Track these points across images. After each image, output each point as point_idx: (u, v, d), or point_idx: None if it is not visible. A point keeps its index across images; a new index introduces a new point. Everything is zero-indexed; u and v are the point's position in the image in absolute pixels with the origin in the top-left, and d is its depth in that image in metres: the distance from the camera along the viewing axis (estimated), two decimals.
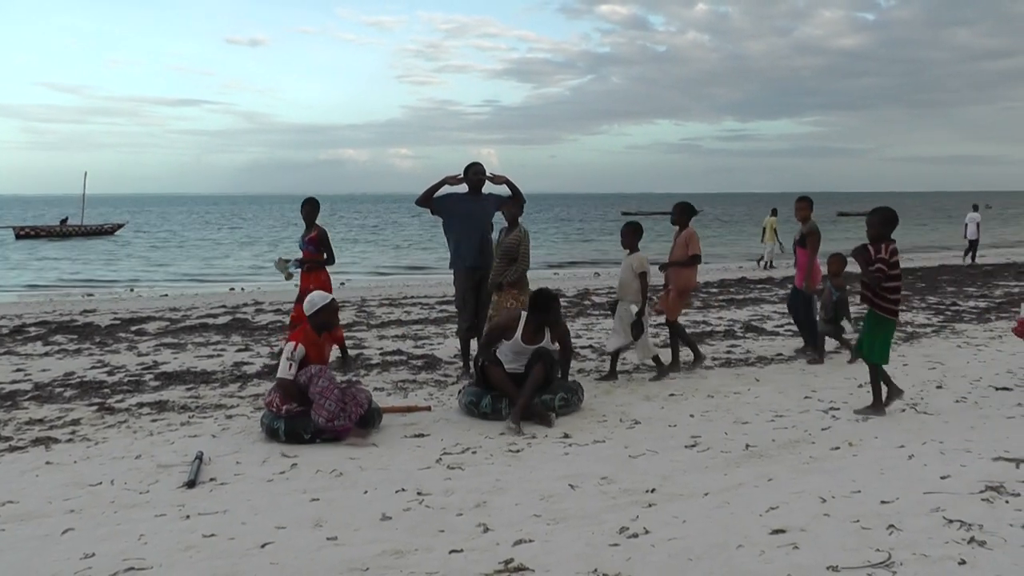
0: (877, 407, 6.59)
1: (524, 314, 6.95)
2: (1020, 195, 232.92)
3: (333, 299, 6.58)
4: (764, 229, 24.81)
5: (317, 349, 6.35)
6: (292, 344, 6.26)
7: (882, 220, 6.42)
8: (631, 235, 8.38)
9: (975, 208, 25.33)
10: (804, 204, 9.36)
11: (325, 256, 9.07)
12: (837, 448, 5.66)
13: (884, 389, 6.59)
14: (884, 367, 6.58)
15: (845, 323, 9.03)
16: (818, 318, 9.13)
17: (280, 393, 6.20)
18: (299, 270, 9.10)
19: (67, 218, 52.90)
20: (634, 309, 8.08)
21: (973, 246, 24.50)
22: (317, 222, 9.22)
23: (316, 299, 6.50)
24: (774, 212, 25.38)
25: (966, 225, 24.94)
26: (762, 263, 24.81)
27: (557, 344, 7.00)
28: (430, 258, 33.45)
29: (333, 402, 6.09)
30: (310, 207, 9.25)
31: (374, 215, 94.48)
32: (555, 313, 6.87)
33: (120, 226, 54.31)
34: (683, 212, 8.86)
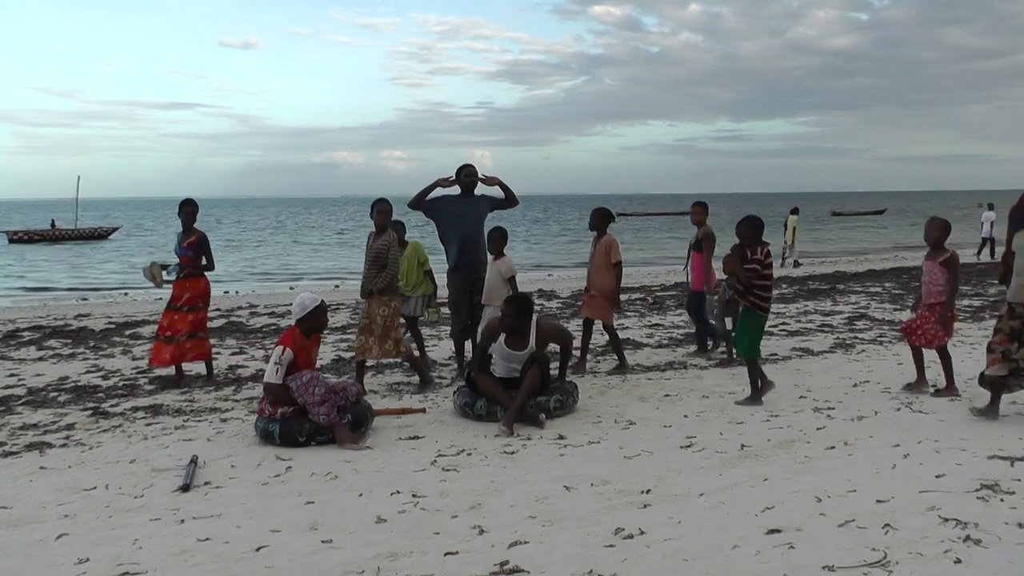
0: (755, 398, 7.05)
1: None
2: (1013, 194, 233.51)
3: (323, 300, 6.55)
4: (786, 227, 25.33)
5: (306, 353, 6.33)
6: (280, 348, 6.23)
7: (753, 229, 7.01)
8: (600, 219, 8.73)
9: (990, 207, 25.76)
10: (699, 208, 9.37)
11: (205, 262, 8.60)
12: (832, 448, 5.66)
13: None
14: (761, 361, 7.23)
15: (728, 320, 9.03)
16: (712, 318, 9.32)
17: (269, 398, 6.18)
18: (174, 278, 8.56)
19: (54, 221, 52.61)
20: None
21: (988, 243, 25.35)
22: (197, 225, 8.69)
23: (306, 302, 6.41)
24: (795, 211, 26.16)
25: (982, 224, 25.72)
26: (787, 260, 25.25)
27: (553, 345, 6.97)
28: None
29: (322, 387, 6.12)
30: (189, 209, 8.62)
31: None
32: (520, 319, 6.84)
33: (115, 229, 54.18)
34: (602, 219, 8.82)
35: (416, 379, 8.16)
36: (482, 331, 7.15)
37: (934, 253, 7.15)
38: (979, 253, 25.31)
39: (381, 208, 7.94)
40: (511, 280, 8.03)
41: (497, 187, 8.33)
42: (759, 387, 7.09)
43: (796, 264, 24.74)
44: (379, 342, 7.79)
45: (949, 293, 7.00)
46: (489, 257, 8.23)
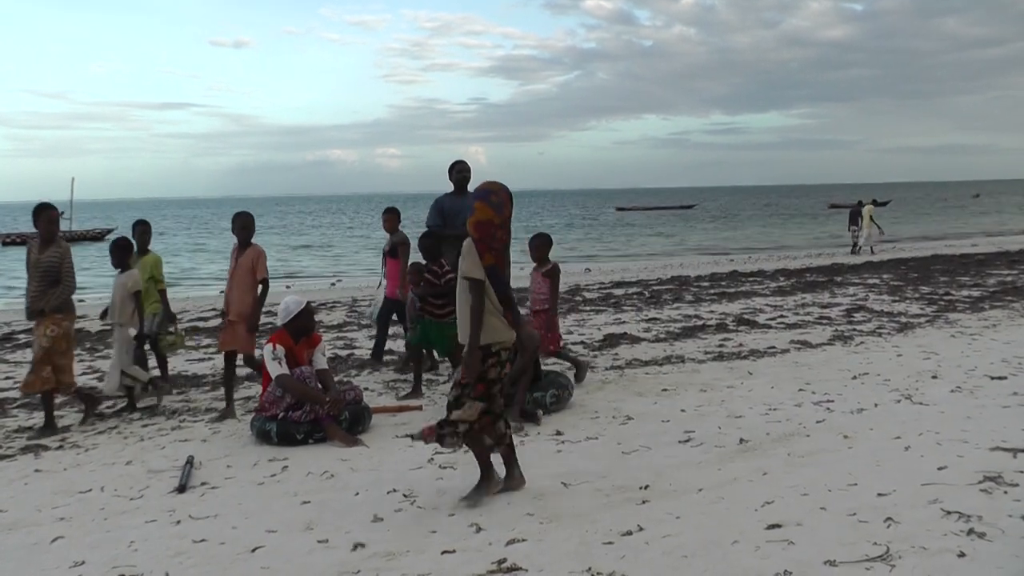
0: (416, 392, 7.51)
1: None
2: (1010, 183, 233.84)
3: (309, 302, 6.51)
4: (861, 217, 26.00)
5: (293, 356, 6.29)
6: (271, 346, 6.23)
7: (431, 246, 7.49)
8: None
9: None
10: (392, 216, 8.99)
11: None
12: (832, 441, 5.63)
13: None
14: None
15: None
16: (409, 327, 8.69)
17: (284, 391, 6.14)
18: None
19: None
20: (132, 333, 7.44)
21: None
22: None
23: (291, 306, 6.40)
24: (874, 201, 27.40)
25: None
26: (858, 249, 25.89)
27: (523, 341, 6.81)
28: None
29: (310, 379, 6.22)
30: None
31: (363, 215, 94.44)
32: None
33: (109, 231, 53.98)
34: (244, 227, 7.13)
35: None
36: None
37: (539, 266, 7.72)
38: None
39: (50, 216, 6.91)
40: (137, 295, 7.31)
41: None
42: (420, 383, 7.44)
43: (871, 251, 25.38)
44: (35, 369, 6.69)
45: (551, 301, 7.61)
46: (117, 271, 7.52)
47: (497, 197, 4.58)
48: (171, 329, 8.05)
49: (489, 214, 4.56)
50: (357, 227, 65.00)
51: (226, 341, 7.12)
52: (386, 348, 9.27)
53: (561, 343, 7.85)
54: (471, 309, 4.51)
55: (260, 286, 7.07)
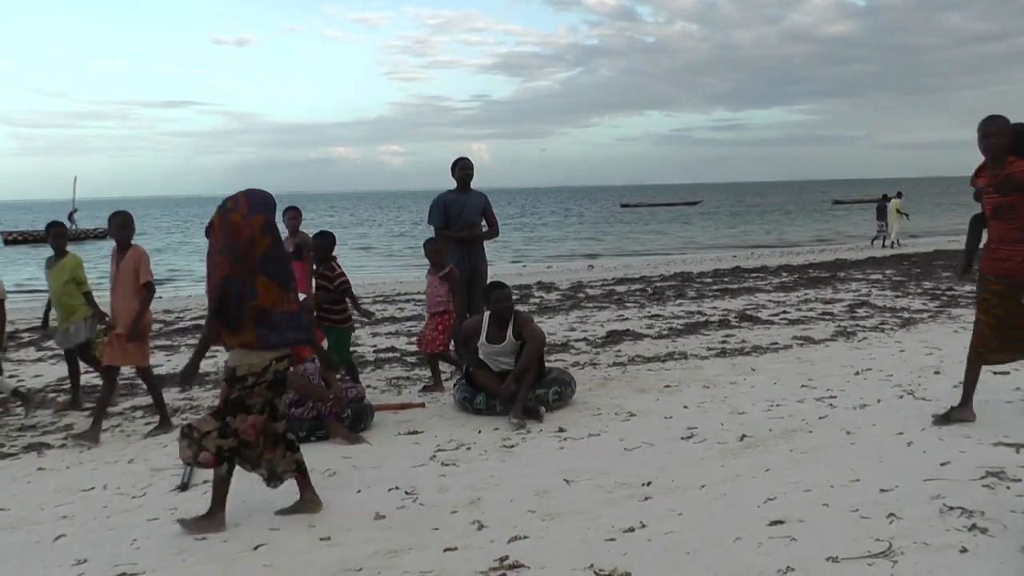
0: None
1: (487, 314, 6.92)
2: None
3: (306, 297, 6.52)
4: (888, 211, 26.54)
5: (297, 353, 6.29)
6: None
7: (324, 245, 7.46)
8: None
9: None
10: (295, 214, 8.73)
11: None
12: (835, 437, 5.62)
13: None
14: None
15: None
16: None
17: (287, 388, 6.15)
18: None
19: (72, 214, 51.54)
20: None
21: None
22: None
23: None
24: (899, 195, 27.42)
25: None
26: (887, 242, 26.30)
27: (527, 340, 6.72)
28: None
29: (313, 375, 6.23)
30: None
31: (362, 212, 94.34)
32: (496, 302, 6.81)
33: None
34: (123, 226, 6.54)
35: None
36: (461, 332, 7.13)
37: (435, 269, 7.79)
38: None
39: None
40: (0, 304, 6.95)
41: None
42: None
43: (895, 244, 25.93)
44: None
45: (456, 304, 7.74)
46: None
47: (239, 210, 4.30)
48: (104, 332, 7.32)
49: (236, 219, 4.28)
50: (360, 224, 65.05)
51: (111, 355, 6.47)
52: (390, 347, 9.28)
53: (449, 347, 7.82)
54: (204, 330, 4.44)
55: (145, 290, 6.46)
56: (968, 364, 5.77)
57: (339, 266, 7.40)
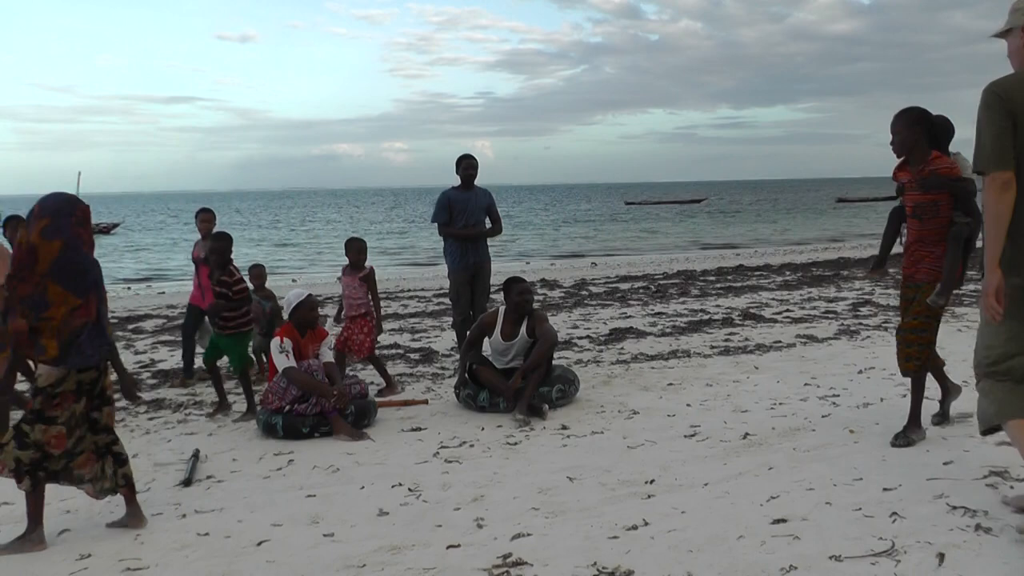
0: (223, 406, 7.00)
1: (501, 309, 6.92)
2: None
3: (310, 295, 6.52)
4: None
5: (299, 350, 6.30)
6: (278, 339, 6.27)
7: (222, 248, 6.96)
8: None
9: None
10: (208, 216, 8.20)
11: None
12: (838, 435, 5.62)
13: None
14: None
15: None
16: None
17: (290, 384, 6.14)
18: None
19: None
20: None
21: None
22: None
23: (291, 297, 6.48)
24: None
25: None
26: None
27: (540, 337, 6.73)
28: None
29: (317, 372, 6.21)
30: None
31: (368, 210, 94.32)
32: (517, 295, 6.80)
33: (116, 225, 54.04)
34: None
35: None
36: (479, 322, 7.12)
37: (353, 270, 7.63)
38: None
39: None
40: None
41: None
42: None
43: None
44: None
45: (373, 305, 7.62)
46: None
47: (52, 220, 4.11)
48: None
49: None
50: (362, 223, 65.10)
51: None
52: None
53: (376, 351, 7.78)
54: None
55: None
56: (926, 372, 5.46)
57: (237, 271, 6.96)
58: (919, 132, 5.09)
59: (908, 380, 5.48)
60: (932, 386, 5.68)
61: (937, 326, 5.33)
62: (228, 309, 6.84)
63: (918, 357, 5.30)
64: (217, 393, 7.06)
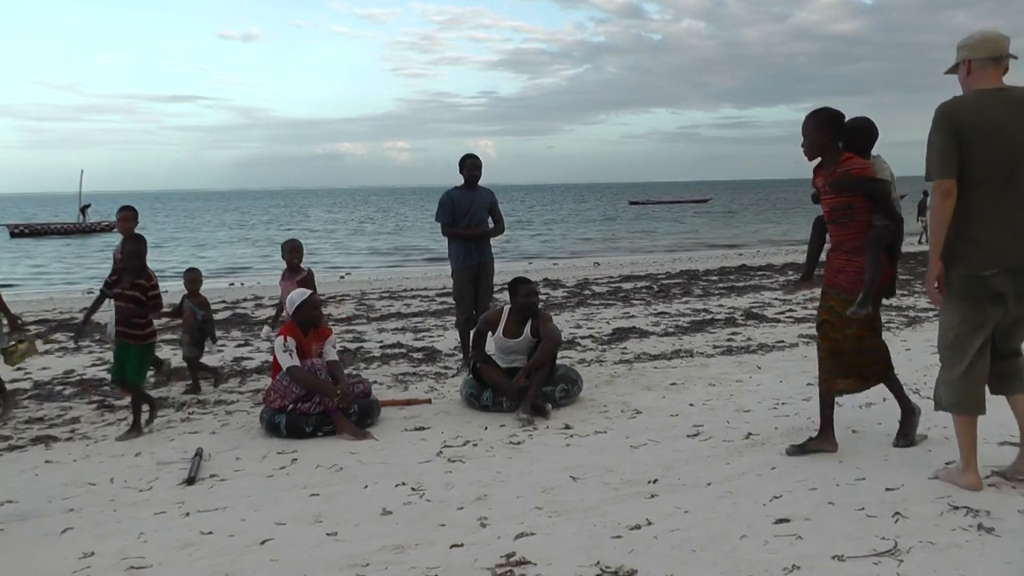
0: (136, 429, 6.40)
1: (506, 308, 6.93)
2: None
3: (312, 293, 6.52)
4: (920, 207, 27.29)
5: (303, 349, 6.31)
6: (281, 338, 6.26)
7: (139, 251, 6.54)
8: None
9: None
10: (129, 215, 7.71)
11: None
12: (840, 435, 5.61)
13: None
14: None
15: (208, 342, 7.92)
16: (181, 342, 8.06)
17: (294, 383, 6.14)
18: None
19: (85, 209, 50.89)
20: None
21: None
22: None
23: (295, 297, 6.45)
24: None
25: None
26: (923, 238, 26.56)
27: (544, 337, 6.73)
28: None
29: (321, 371, 6.22)
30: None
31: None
32: (523, 295, 6.81)
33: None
34: None
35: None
36: (483, 319, 7.12)
37: (291, 273, 7.46)
38: None
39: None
40: None
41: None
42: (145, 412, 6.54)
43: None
44: None
45: None
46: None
47: None
48: (18, 338, 7.05)
49: None
50: (363, 221, 65.11)
51: None
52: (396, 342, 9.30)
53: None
54: None
55: None
56: (820, 389, 5.22)
57: (154, 275, 6.63)
58: (829, 133, 4.91)
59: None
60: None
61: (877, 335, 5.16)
62: (139, 315, 6.44)
63: (871, 367, 5.16)
64: (134, 410, 6.49)
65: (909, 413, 5.38)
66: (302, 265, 7.61)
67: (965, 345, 4.37)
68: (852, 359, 5.09)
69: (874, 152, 5.17)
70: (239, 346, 10.21)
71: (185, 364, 7.98)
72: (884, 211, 4.88)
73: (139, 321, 6.48)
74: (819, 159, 5.03)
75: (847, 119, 5.01)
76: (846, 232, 4.96)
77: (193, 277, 7.96)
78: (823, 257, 5.31)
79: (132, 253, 6.52)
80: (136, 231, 7.16)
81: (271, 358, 6.69)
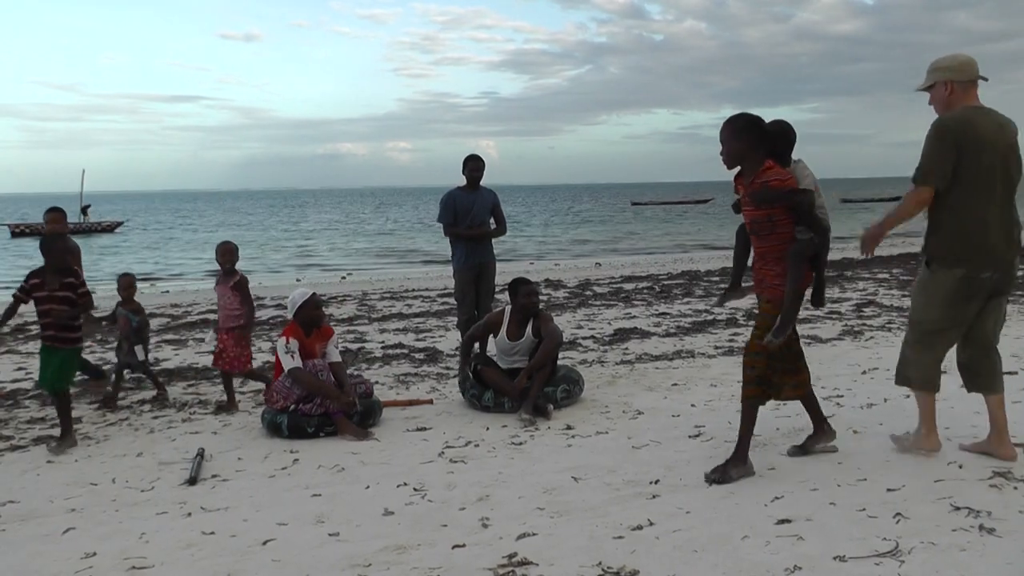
0: (66, 440, 6.09)
1: (507, 309, 6.93)
2: None
3: (314, 293, 6.52)
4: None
5: (305, 350, 6.31)
6: (283, 339, 6.27)
7: (66, 249, 6.41)
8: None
9: None
10: (57, 216, 7.63)
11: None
12: (842, 436, 5.61)
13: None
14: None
15: (139, 349, 7.49)
16: (116, 349, 7.74)
17: (296, 385, 6.13)
18: None
19: (86, 208, 50.80)
20: None
21: None
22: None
23: (296, 297, 6.44)
24: None
25: None
26: None
27: (545, 337, 6.75)
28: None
29: (323, 372, 6.22)
30: None
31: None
32: (524, 296, 6.82)
33: (119, 223, 54.00)
34: None
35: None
36: (483, 321, 7.13)
37: (225, 278, 7.17)
38: None
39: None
40: None
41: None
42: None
43: None
44: None
45: (247, 315, 7.10)
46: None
47: None
48: None
49: None
50: (361, 221, 65.11)
51: None
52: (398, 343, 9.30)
53: (252, 363, 7.32)
54: None
55: None
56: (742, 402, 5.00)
57: (81, 272, 6.47)
58: (749, 140, 4.61)
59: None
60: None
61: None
62: (72, 317, 6.19)
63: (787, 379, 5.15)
64: (62, 422, 6.21)
65: (821, 433, 5.24)
66: (236, 268, 7.28)
67: (943, 338, 4.88)
68: (780, 369, 5.04)
69: (795, 157, 4.96)
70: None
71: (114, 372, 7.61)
72: (808, 223, 4.65)
73: (72, 323, 6.22)
74: (738, 168, 4.78)
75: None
76: (768, 244, 4.74)
77: (127, 282, 7.63)
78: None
79: (54, 249, 6.23)
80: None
81: (272, 358, 6.69)
